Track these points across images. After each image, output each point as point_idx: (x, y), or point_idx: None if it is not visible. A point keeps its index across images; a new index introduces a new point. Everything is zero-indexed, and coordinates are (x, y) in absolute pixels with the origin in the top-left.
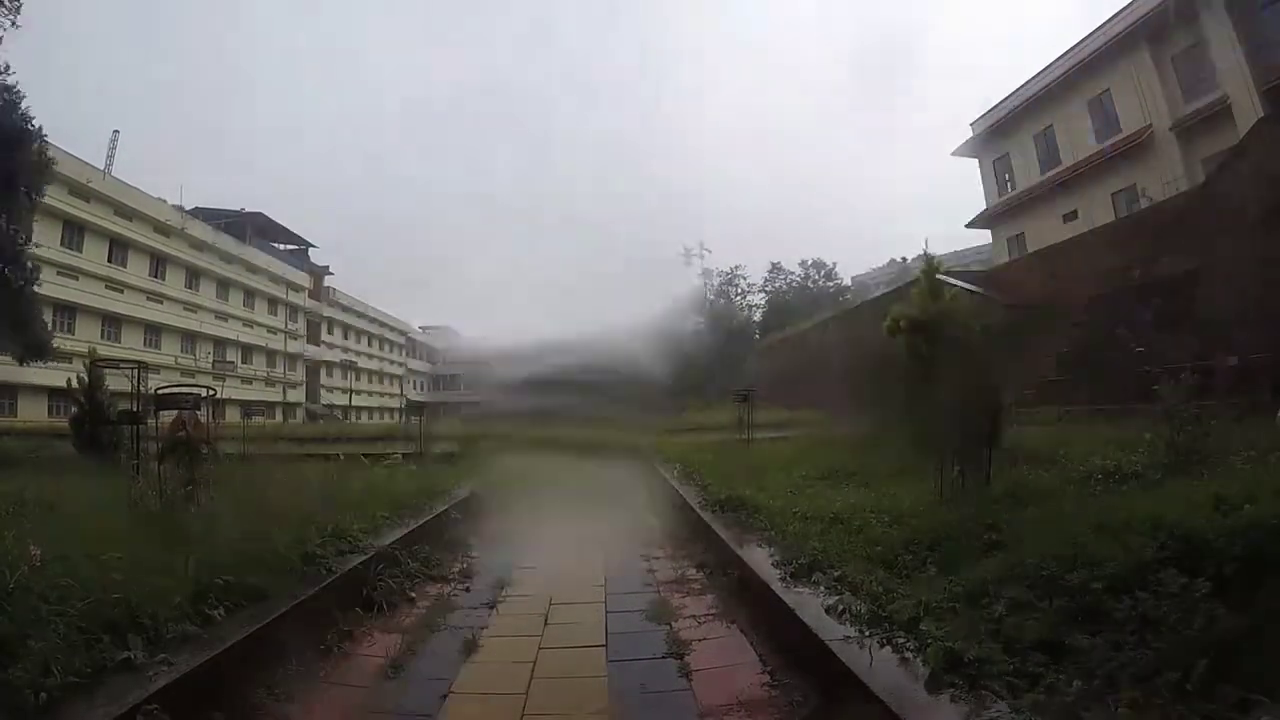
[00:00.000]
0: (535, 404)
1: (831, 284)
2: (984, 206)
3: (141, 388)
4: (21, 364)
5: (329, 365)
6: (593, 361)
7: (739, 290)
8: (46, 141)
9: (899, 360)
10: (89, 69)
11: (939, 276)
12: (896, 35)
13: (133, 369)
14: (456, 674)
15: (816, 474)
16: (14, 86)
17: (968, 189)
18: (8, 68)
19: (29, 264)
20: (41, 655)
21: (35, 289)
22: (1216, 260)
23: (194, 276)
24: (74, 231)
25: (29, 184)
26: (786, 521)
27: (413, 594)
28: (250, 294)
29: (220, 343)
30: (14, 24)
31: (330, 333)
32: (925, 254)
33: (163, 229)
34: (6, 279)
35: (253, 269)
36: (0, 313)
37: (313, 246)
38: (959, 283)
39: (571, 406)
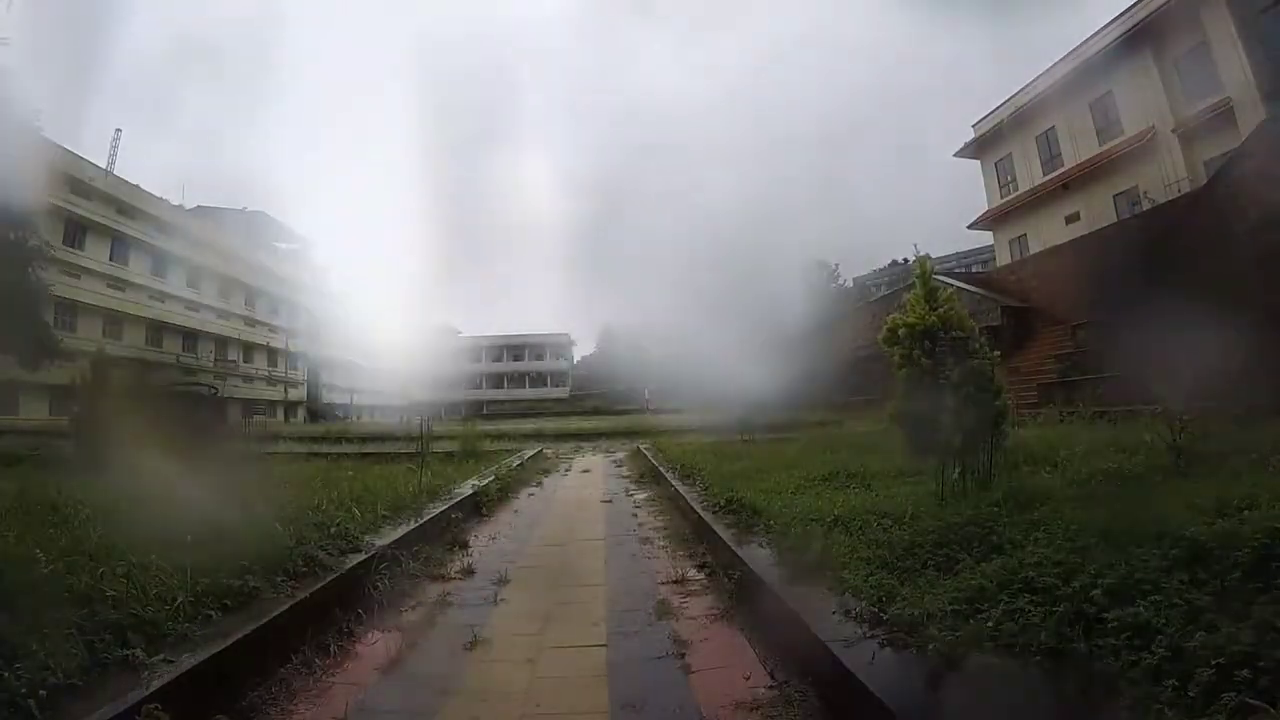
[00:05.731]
0: None
1: (833, 285)
2: (986, 208)
3: (143, 386)
4: (28, 368)
5: (330, 364)
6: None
7: None
8: (45, 139)
9: (898, 365)
10: (91, 65)
11: (936, 277)
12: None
13: (135, 367)
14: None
15: (818, 475)
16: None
17: (971, 189)
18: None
19: (41, 271)
20: (42, 654)
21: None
22: (1219, 262)
23: (195, 274)
24: (76, 230)
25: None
26: (788, 523)
27: None
28: (252, 292)
29: (221, 341)
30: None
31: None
32: (919, 257)
33: (164, 227)
34: (19, 291)
35: (254, 267)
36: (9, 320)
37: (314, 245)
38: (957, 283)
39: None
